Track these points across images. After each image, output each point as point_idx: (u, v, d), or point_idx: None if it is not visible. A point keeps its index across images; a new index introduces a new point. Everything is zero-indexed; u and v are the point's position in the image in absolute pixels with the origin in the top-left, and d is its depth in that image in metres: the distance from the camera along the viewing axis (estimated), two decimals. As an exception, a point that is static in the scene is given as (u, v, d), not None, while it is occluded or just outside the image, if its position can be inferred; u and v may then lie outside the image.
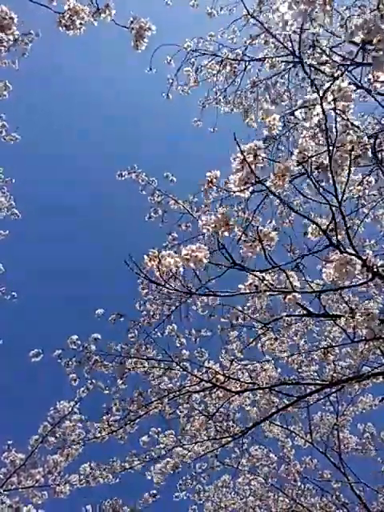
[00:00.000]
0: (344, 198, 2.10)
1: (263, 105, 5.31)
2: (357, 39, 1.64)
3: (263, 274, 2.43)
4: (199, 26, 5.79)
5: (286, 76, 5.07)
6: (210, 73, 5.29)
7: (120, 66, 11.41)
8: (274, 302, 4.65)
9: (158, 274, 2.11)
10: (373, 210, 4.43)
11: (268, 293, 2.57)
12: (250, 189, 2.17)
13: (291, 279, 2.46)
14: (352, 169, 2.10)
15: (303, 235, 4.33)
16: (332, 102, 1.85)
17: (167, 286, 2.28)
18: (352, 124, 1.97)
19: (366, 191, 2.85)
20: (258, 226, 2.44)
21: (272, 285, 2.62)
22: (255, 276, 2.44)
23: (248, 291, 2.54)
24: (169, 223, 5.06)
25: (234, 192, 2.13)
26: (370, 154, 2.02)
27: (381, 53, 1.60)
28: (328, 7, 1.41)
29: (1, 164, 5.91)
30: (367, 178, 2.97)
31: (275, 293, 2.64)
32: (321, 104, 1.87)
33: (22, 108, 9.71)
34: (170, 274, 2.16)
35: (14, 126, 5.42)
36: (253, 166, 1.99)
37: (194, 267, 2.04)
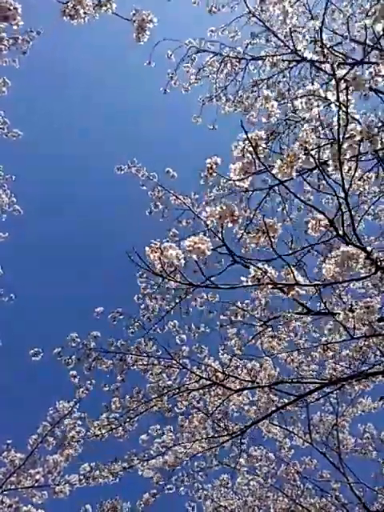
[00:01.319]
0: (349, 190, 2.10)
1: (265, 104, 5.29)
2: (379, 27, 1.63)
3: (265, 267, 2.42)
4: (200, 23, 5.81)
5: (288, 74, 5.07)
6: (210, 70, 5.30)
7: (120, 64, 11.47)
8: (274, 300, 4.64)
9: (159, 266, 2.10)
10: (373, 207, 4.44)
11: (270, 286, 2.56)
12: (250, 179, 2.17)
13: (294, 273, 2.45)
14: (358, 161, 2.10)
15: (304, 233, 4.33)
16: (344, 91, 1.86)
17: (169, 278, 2.27)
18: (353, 118, 1.97)
19: (367, 187, 2.85)
20: (263, 216, 2.43)
21: (274, 279, 2.62)
22: (257, 268, 2.44)
23: (250, 284, 2.54)
24: (169, 219, 5.05)
25: (234, 181, 2.12)
26: (379, 144, 2.01)
27: None
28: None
29: (0, 162, 5.91)
30: (367, 173, 2.97)
31: (277, 286, 2.63)
32: (334, 92, 1.86)
33: (21, 106, 9.75)
34: (172, 267, 2.15)
35: (14, 124, 5.43)
36: (253, 155, 1.98)
37: (197, 259, 2.04)
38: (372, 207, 4.58)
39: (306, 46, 3.59)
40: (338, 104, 1.90)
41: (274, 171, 2.02)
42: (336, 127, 1.95)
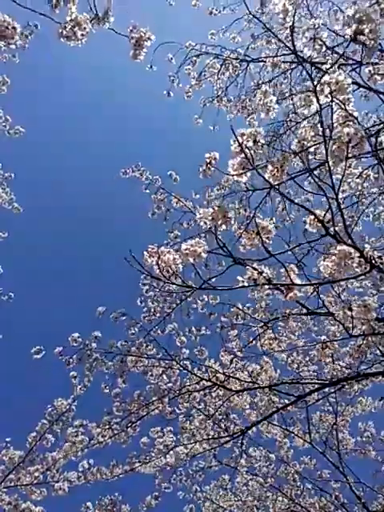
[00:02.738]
0: (342, 189, 2.11)
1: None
2: (349, 31, 1.67)
3: (261, 267, 2.43)
4: (201, 25, 5.80)
5: (289, 75, 5.08)
6: (211, 72, 5.30)
7: (122, 65, 11.45)
8: (274, 301, 4.65)
9: (157, 270, 2.13)
10: (373, 208, 4.44)
11: (266, 286, 2.58)
12: (249, 174, 2.18)
13: (290, 273, 2.46)
14: (351, 161, 2.10)
15: (303, 233, 4.33)
16: (329, 95, 1.87)
17: (167, 280, 2.28)
18: (351, 115, 1.98)
19: (365, 184, 2.86)
20: (255, 219, 2.45)
21: (271, 279, 2.62)
22: (253, 269, 2.45)
23: (247, 285, 2.55)
24: (171, 221, 5.07)
25: (232, 175, 2.13)
26: (367, 145, 2.03)
27: (372, 42, 1.65)
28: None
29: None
30: (366, 171, 2.97)
31: (274, 286, 2.64)
32: (315, 96, 1.87)
33: (22, 106, 9.74)
34: (171, 270, 2.17)
35: (15, 122, 5.41)
36: (251, 152, 1.99)
37: (193, 262, 2.06)
38: (372, 209, 4.59)
39: (305, 44, 3.58)
40: (328, 104, 1.91)
41: (266, 175, 2.04)
42: (327, 129, 1.96)
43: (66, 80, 11.41)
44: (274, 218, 5.02)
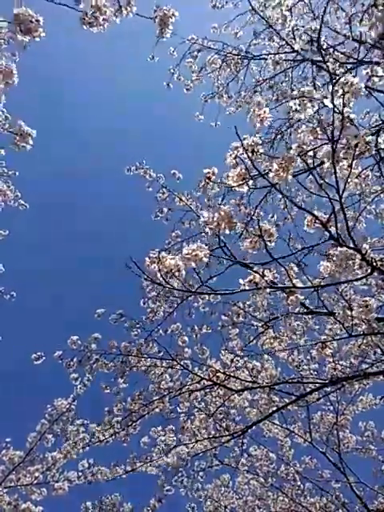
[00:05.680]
0: (345, 191, 2.08)
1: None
2: (374, 33, 1.64)
3: (263, 271, 2.42)
4: (203, 19, 5.77)
5: (290, 74, 5.05)
6: (212, 68, 5.27)
7: (123, 66, 11.43)
8: (275, 300, 4.64)
9: (159, 275, 2.12)
10: (374, 206, 4.42)
11: (268, 290, 2.56)
12: (250, 183, 2.16)
13: (291, 274, 2.45)
14: (354, 163, 2.08)
15: (305, 231, 4.31)
16: (341, 97, 1.84)
17: (169, 285, 2.27)
18: (351, 119, 1.96)
19: (364, 185, 2.83)
20: (258, 221, 2.43)
21: (272, 281, 2.61)
22: (255, 273, 2.44)
23: (248, 288, 2.54)
24: (172, 221, 5.05)
25: (233, 187, 2.13)
26: (373, 150, 2.01)
27: None
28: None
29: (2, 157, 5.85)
30: (365, 171, 2.95)
31: (275, 289, 2.63)
32: (332, 99, 1.85)
33: (22, 106, 9.71)
34: (171, 273, 2.16)
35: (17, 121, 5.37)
36: (250, 162, 1.98)
37: (195, 266, 2.05)
38: (374, 207, 4.57)
39: (304, 46, 3.57)
40: (336, 108, 1.89)
41: (270, 175, 2.02)
42: (331, 130, 1.95)
43: (67, 78, 11.39)
44: (275, 216, 5.01)
